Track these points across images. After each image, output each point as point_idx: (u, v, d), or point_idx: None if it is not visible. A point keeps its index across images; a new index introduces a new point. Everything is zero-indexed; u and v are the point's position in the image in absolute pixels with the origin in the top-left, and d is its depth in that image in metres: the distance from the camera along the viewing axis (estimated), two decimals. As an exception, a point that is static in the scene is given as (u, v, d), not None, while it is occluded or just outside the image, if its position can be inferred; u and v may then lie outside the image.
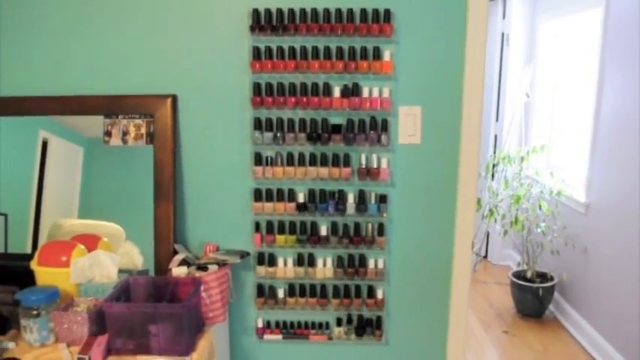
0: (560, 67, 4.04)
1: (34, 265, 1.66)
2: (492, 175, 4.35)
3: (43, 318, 1.52)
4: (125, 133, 1.83)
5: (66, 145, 1.89)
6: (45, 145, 1.88)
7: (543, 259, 3.88)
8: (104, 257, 1.66)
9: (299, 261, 1.91)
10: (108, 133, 1.84)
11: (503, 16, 4.61)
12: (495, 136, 4.80)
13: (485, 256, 5.00)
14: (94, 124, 1.85)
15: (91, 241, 1.73)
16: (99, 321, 1.51)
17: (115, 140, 1.84)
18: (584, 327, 3.47)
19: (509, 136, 4.54)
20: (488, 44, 1.83)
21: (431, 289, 1.96)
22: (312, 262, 1.91)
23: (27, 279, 1.66)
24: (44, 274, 1.66)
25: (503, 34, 4.62)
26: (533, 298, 3.77)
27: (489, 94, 4.67)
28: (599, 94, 3.32)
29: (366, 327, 1.96)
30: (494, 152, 4.62)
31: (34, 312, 1.51)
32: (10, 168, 1.90)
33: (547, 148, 4.01)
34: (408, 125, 1.84)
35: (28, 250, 1.87)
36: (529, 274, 3.82)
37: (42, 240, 1.87)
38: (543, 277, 3.84)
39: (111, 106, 1.83)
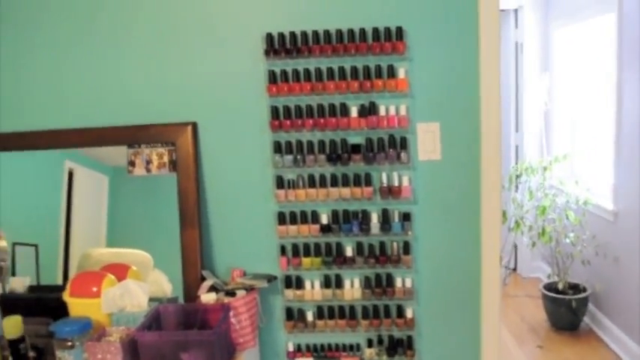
0: (578, 73, 4.01)
1: (66, 296, 1.68)
2: (516, 187, 4.30)
3: (77, 349, 1.53)
4: (148, 162, 1.87)
5: (91, 175, 1.93)
6: (71, 175, 1.92)
7: (574, 269, 3.80)
8: (134, 286, 1.67)
9: (326, 283, 1.90)
10: (132, 163, 1.88)
11: (516, 26, 4.61)
12: (517, 147, 4.76)
13: (515, 269, 4.92)
14: (118, 152, 1.89)
15: (120, 271, 1.75)
16: (132, 350, 1.52)
17: (139, 170, 1.87)
18: (620, 338, 3.37)
19: (530, 146, 4.50)
20: (502, 54, 1.83)
21: (461, 306, 1.94)
22: (339, 284, 1.90)
23: (60, 310, 1.68)
24: (76, 305, 1.68)
25: (517, 44, 4.62)
26: (567, 311, 3.68)
27: (507, 104, 4.65)
28: (619, 99, 3.28)
29: (397, 347, 1.94)
30: (517, 163, 4.57)
31: (69, 343, 1.53)
32: (38, 199, 1.94)
33: (570, 156, 3.96)
34: (427, 142, 1.84)
35: (59, 281, 1.90)
36: (561, 286, 3.74)
37: (72, 270, 1.90)
38: (575, 288, 3.75)
39: (133, 136, 1.87)
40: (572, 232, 3.71)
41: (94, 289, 1.65)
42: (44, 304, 1.74)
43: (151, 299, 1.70)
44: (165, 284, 1.81)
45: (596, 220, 3.63)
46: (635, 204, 3.18)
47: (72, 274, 1.87)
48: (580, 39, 3.94)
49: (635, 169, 3.15)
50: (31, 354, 1.63)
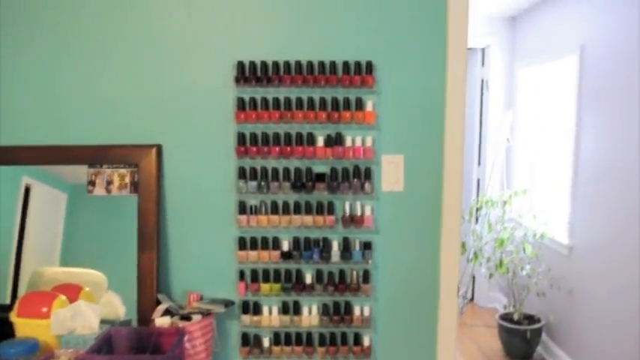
0: (540, 112, 4.15)
1: (13, 316, 1.63)
2: (476, 219, 4.39)
3: (21, 372, 1.48)
4: (109, 183, 1.84)
5: (49, 191, 1.88)
6: (27, 190, 1.87)
7: (529, 301, 3.89)
8: (86, 308, 1.63)
9: (284, 309, 1.90)
10: (92, 183, 1.84)
11: (482, 64, 4.76)
12: (478, 180, 4.88)
13: (472, 299, 4.99)
14: (79, 171, 1.84)
15: (72, 292, 1.70)
16: (79, 375, 1.48)
17: (99, 190, 1.84)
18: (572, 371, 3.45)
19: (491, 180, 4.62)
20: (468, 91, 1.89)
21: (418, 335, 1.96)
22: (297, 311, 1.90)
23: (6, 331, 1.63)
24: (24, 326, 1.63)
25: (482, 81, 4.76)
26: (521, 341, 3.75)
27: (471, 139, 4.77)
28: (577, 138, 3.41)
29: (352, 376, 1.94)
30: (477, 196, 4.68)
31: (13, 366, 1.48)
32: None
33: (529, 191, 4.08)
34: (391, 173, 1.88)
35: (7, 301, 1.83)
36: (516, 317, 3.82)
37: (22, 288, 1.84)
38: (530, 319, 3.83)
39: (95, 156, 1.84)
40: (529, 265, 3.80)
41: (44, 309, 1.60)
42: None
43: (103, 321, 1.67)
44: (118, 306, 1.77)
45: (552, 253, 3.74)
46: (589, 239, 3.29)
47: (21, 292, 1.81)
48: (543, 79, 4.09)
49: (590, 205, 3.27)
50: (-27, 376, 1.56)
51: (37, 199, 1.87)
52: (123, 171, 1.83)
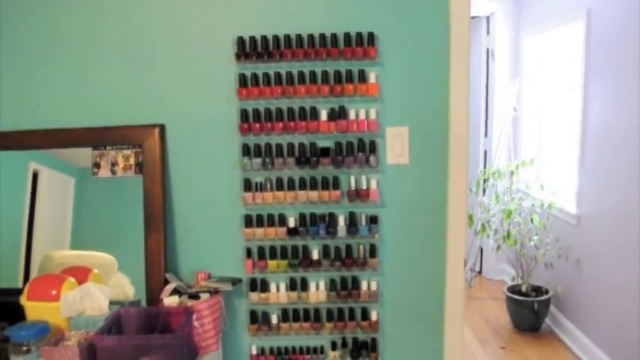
0: (546, 80, 4.09)
1: (23, 299, 1.64)
2: (483, 191, 4.37)
3: (33, 354, 1.49)
4: (114, 164, 1.83)
5: (57, 176, 1.89)
6: (35, 176, 1.87)
7: (537, 272, 3.88)
8: (94, 289, 1.64)
9: (292, 286, 1.90)
10: (96, 165, 1.84)
11: (488, 32, 4.68)
12: (485, 152, 4.84)
13: (480, 272, 5.00)
14: (85, 154, 1.85)
15: (81, 274, 1.71)
16: (90, 355, 1.49)
17: (104, 172, 1.83)
18: (581, 339, 3.46)
19: (498, 150, 4.58)
20: (473, 60, 1.86)
21: (425, 309, 1.96)
22: (304, 287, 1.90)
23: (17, 314, 1.64)
24: (34, 309, 1.63)
25: (488, 50, 4.69)
26: (529, 313, 3.76)
27: (477, 109, 4.72)
28: (585, 106, 3.36)
29: (362, 349, 1.95)
30: (484, 167, 4.65)
31: (24, 348, 1.49)
32: (1, 200, 1.88)
33: (536, 161, 4.04)
34: (396, 146, 1.86)
35: (20, 284, 1.85)
36: (524, 289, 3.82)
37: (33, 272, 1.85)
38: (538, 290, 3.84)
39: (99, 138, 1.83)
40: (537, 236, 3.79)
41: (53, 292, 1.61)
42: (1, 307, 1.69)
43: (112, 302, 1.67)
44: (127, 287, 1.78)
45: (560, 223, 3.72)
46: (597, 208, 3.27)
47: (33, 276, 1.82)
48: (549, 47, 4.02)
49: (599, 174, 3.24)
50: (-15, 359, 1.58)
51: (45, 184, 1.88)
52: (127, 152, 1.82)
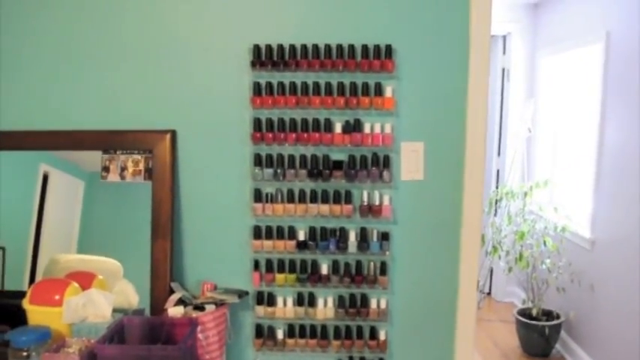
0: (562, 102, 4.05)
1: (25, 303, 1.61)
2: (495, 211, 4.31)
3: (33, 359, 1.46)
4: (123, 169, 1.81)
5: (67, 179, 1.87)
6: (45, 178, 1.86)
7: (549, 296, 3.80)
8: (98, 296, 1.61)
9: (299, 301, 1.85)
10: (106, 169, 1.82)
11: (504, 52, 4.66)
12: (498, 172, 4.79)
13: (489, 293, 4.92)
14: (95, 158, 1.83)
15: (85, 279, 1.68)
16: (91, 364, 1.45)
17: (113, 176, 1.81)
18: (592, 367, 3.37)
19: (511, 171, 4.53)
20: (489, 79, 1.83)
21: (435, 330, 1.90)
22: (312, 302, 1.86)
23: (19, 318, 1.61)
24: (36, 314, 1.60)
25: (503, 70, 4.66)
26: (540, 337, 3.68)
27: (491, 129, 4.68)
28: (602, 130, 3.31)
29: (369, 369, 1.90)
30: (497, 188, 4.59)
31: (24, 353, 1.46)
32: (10, 201, 1.87)
33: (550, 183, 3.99)
34: (411, 161, 1.82)
35: (25, 287, 1.82)
36: (535, 312, 3.74)
37: (39, 275, 1.83)
38: (549, 315, 3.75)
39: (109, 142, 1.81)
40: (549, 259, 3.72)
41: (56, 297, 1.58)
42: (4, 310, 1.66)
43: (116, 310, 1.64)
44: (131, 295, 1.75)
45: (573, 247, 3.65)
46: (612, 233, 3.20)
47: (39, 279, 1.80)
48: (566, 68, 3.98)
49: (614, 198, 3.18)
50: (-17, 363, 1.55)
51: (54, 186, 1.87)
52: (137, 157, 1.80)
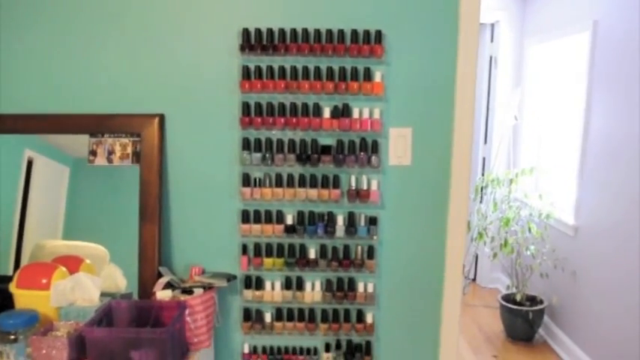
0: (549, 90, 4.08)
1: (12, 287, 1.60)
2: (481, 198, 4.35)
3: (20, 343, 1.45)
4: (110, 153, 1.80)
5: (52, 165, 1.85)
6: (30, 164, 1.84)
7: (533, 282, 3.86)
8: (86, 280, 1.60)
9: (287, 284, 1.87)
10: (93, 153, 1.80)
11: (491, 40, 4.67)
12: (484, 159, 4.82)
13: (474, 279, 4.98)
14: (81, 143, 1.81)
15: (72, 263, 1.67)
16: (79, 346, 1.45)
17: (100, 160, 1.80)
18: (574, 351, 3.44)
19: (497, 158, 4.56)
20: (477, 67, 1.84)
21: (421, 313, 1.93)
22: (300, 286, 1.87)
23: (6, 302, 1.60)
24: (23, 297, 1.60)
25: (491, 57, 4.68)
26: (523, 322, 3.74)
27: (477, 116, 4.70)
28: (587, 117, 3.34)
29: (356, 352, 1.92)
30: (483, 175, 4.63)
31: (12, 337, 1.45)
32: (-7, 187, 1.85)
33: (536, 170, 4.03)
34: (399, 147, 1.83)
35: (10, 272, 1.81)
36: (518, 298, 3.80)
37: (24, 261, 1.81)
38: (533, 300, 3.81)
39: (97, 125, 1.80)
40: (533, 245, 3.77)
41: (44, 280, 1.57)
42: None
43: (104, 294, 1.64)
44: (119, 279, 1.74)
45: (557, 234, 3.70)
46: (595, 220, 3.25)
47: (24, 265, 1.78)
48: (553, 56, 4.01)
49: (598, 186, 3.22)
50: (-30, 346, 1.54)
51: (39, 172, 1.85)
52: (125, 140, 1.79)
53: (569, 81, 3.72)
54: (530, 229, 3.77)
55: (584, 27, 3.39)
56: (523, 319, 3.73)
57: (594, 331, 3.23)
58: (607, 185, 3.12)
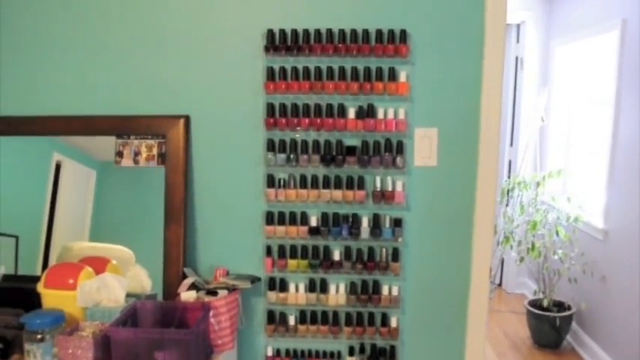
0: (576, 91, 4.00)
1: (40, 287, 1.62)
2: (507, 201, 4.28)
3: (47, 342, 1.47)
4: (137, 154, 1.81)
5: (79, 168, 1.88)
6: (58, 167, 1.87)
7: (560, 287, 3.78)
8: (112, 280, 1.61)
9: (311, 287, 1.85)
10: (119, 154, 1.82)
11: (517, 40, 4.60)
12: (510, 161, 4.75)
13: (500, 284, 4.89)
14: (108, 146, 1.83)
15: (99, 264, 1.69)
16: (104, 346, 1.46)
17: (127, 161, 1.81)
18: (603, 358, 3.35)
19: (524, 161, 4.48)
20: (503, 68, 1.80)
21: (447, 318, 1.89)
22: (324, 288, 1.85)
23: (33, 302, 1.62)
24: (50, 297, 1.61)
25: (517, 58, 4.61)
26: (550, 328, 3.66)
27: (503, 118, 4.63)
28: (616, 119, 3.26)
29: (379, 357, 1.89)
30: (509, 177, 4.56)
31: (39, 336, 1.47)
32: (23, 190, 1.88)
33: (563, 172, 3.94)
34: (424, 147, 1.80)
35: (39, 273, 1.84)
36: (545, 303, 3.72)
37: (52, 262, 1.84)
38: (560, 306, 3.73)
39: (123, 127, 1.81)
40: (561, 249, 3.69)
41: (70, 280, 1.59)
42: (18, 294, 1.67)
43: (129, 295, 1.64)
44: (145, 280, 1.75)
45: (586, 238, 3.61)
46: (625, 223, 3.17)
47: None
48: (581, 57, 3.93)
49: (628, 188, 3.14)
50: (-1, 345, 1.56)
51: (67, 175, 1.88)
52: (150, 142, 1.80)
53: (596, 82, 3.64)
54: (557, 233, 3.69)
55: (612, 26, 3.32)
56: (550, 325, 3.64)
57: (625, 339, 3.14)
58: (637, 188, 3.03)
